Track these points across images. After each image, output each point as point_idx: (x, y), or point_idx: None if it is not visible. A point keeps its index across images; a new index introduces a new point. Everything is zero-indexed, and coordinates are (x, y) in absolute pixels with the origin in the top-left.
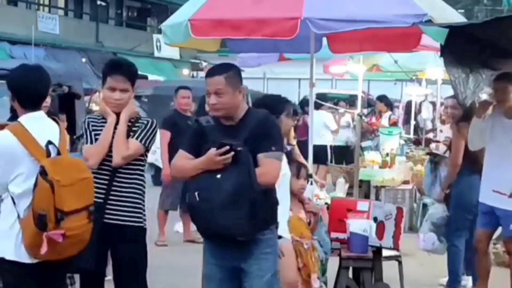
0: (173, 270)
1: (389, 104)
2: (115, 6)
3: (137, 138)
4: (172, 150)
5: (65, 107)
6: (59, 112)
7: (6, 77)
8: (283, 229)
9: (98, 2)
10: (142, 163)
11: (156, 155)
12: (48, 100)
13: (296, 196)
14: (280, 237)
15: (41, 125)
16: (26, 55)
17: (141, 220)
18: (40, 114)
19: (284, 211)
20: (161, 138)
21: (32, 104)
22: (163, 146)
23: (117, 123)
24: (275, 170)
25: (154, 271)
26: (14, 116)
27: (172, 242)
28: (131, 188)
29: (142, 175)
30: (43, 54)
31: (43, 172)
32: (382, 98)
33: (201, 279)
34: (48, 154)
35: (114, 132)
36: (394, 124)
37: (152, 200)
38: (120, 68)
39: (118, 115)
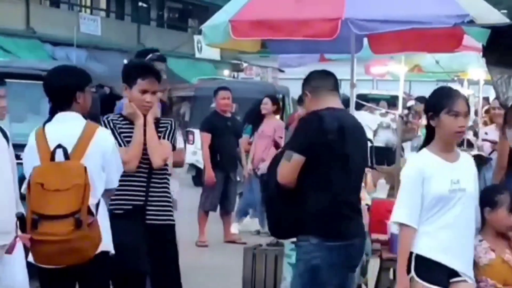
0: (214, 271)
1: None
2: (157, 7)
3: (167, 139)
4: (212, 152)
5: (107, 108)
6: (100, 114)
7: None
8: (462, 264)
9: (140, 4)
10: (168, 162)
11: (197, 156)
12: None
13: (502, 232)
14: (452, 272)
15: (62, 127)
16: (69, 57)
17: (173, 218)
18: (67, 115)
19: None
20: (202, 141)
21: (61, 105)
22: (204, 148)
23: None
24: (280, 168)
25: (194, 271)
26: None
27: (212, 242)
28: (164, 188)
29: (169, 175)
30: (85, 55)
31: (30, 175)
32: (422, 99)
33: (242, 280)
34: (52, 158)
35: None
36: None
37: (193, 201)
38: (152, 71)
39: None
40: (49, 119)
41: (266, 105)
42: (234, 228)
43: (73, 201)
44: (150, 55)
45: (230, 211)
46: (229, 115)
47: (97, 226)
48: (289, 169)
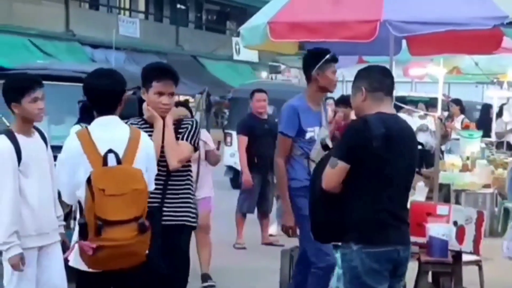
0: (251, 273)
1: (463, 108)
2: (195, 9)
3: (186, 140)
4: (249, 154)
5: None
6: (138, 115)
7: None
8: None
9: (178, 6)
10: (191, 163)
11: (235, 158)
12: None
13: None
14: None
15: (109, 132)
16: (107, 59)
17: (193, 220)
18: (110, 119)
19: None
20: (239, 143)
21: (104, 109)
22: (241, 151)
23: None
24: (324, 175)
25: (232, 273)
26: (81, 119)
27: (250, 245)
28: (185, 189)
29: (192, 176)
30: (124, 57)
31: (88, 180)
32: (458, 102)
33: (279, 283)
34: (105, 163)
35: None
36: (466, 127)
37: (231, 203)
38: (168, 73)
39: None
40: (80, 121)
41: None
42: (272, 230)
43: (135, 206)
44: (327, 56)
45: (267, 213)
46: (265, 117)
47: (150, 229)
48: (334, 176)
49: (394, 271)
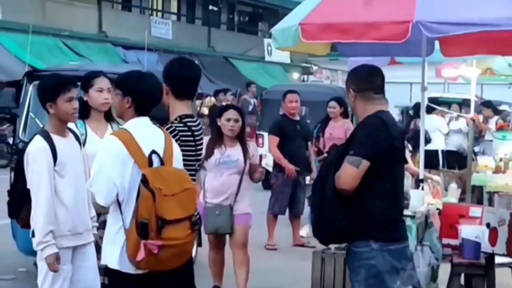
0: (282, 274)
1: (496, 110)
2: (227, 11)
3: None
4: (282, 154)
5: None
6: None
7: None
8: None
9: (210, 7)
10: None
11: (267, 159)
12: None
13: None
14: None
15: (147, 132)
16: (140, 60)
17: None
18: (146, 121)
19: None
20: (270, 143)
21: (147, 110)
22: (273, 149)
23: None
24: (344, 174)
25: (263, 274)
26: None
27: (281, 246)
28: None
29: None
30: (156, 58)
31: (144, 181)
32: (489, 104)
33: (311, 283)
34: (150, 164)
35: None
36: (501, 128)
37: (262, 204)
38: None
39: None
40: (81, 117)
41: (335, 109)
42: (303, 232)
43: (188, 205)
44: None
45: (299, 215)
46: (297, 118)
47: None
48: (357, 176)
49: (405, 265)
